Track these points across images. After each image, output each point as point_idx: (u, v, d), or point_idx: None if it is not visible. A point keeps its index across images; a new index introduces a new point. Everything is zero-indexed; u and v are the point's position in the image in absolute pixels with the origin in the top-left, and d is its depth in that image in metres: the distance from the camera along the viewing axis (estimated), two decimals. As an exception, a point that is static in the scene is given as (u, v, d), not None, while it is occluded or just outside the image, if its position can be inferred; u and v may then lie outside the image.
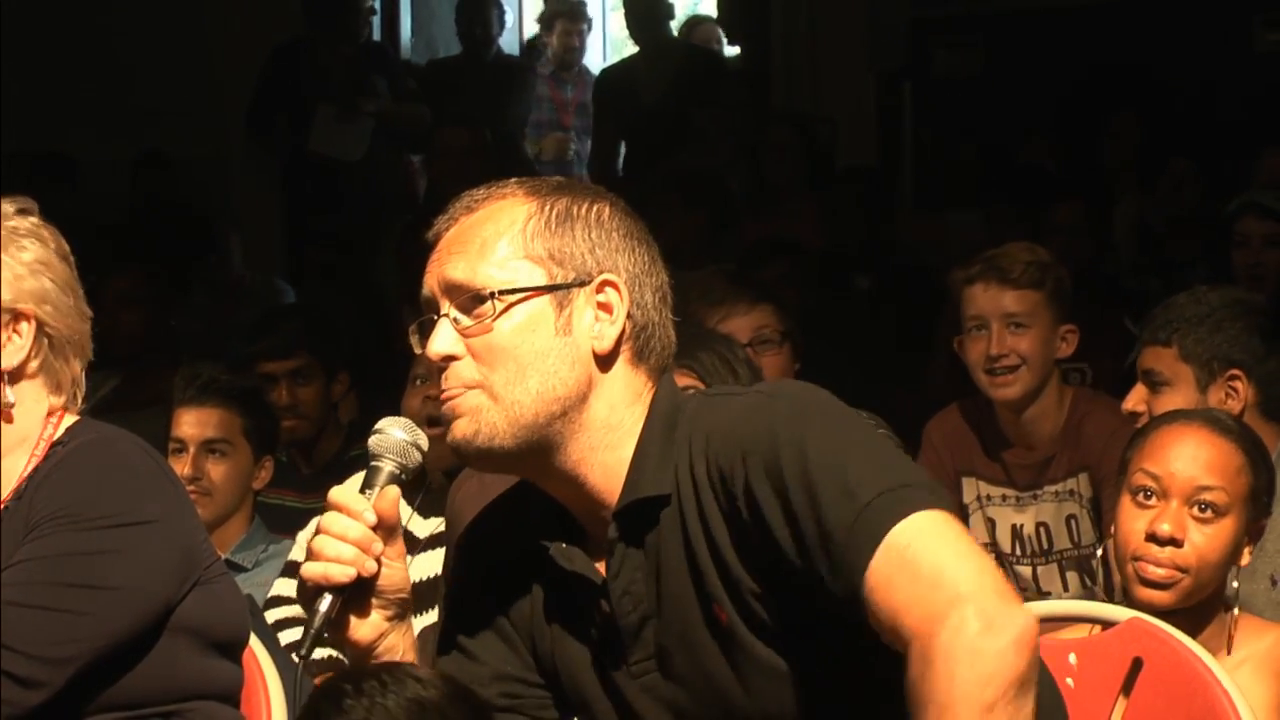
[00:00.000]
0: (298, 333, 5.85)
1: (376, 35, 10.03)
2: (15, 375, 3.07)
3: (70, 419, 3.13)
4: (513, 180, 2.56)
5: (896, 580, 2.25)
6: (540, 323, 2.46)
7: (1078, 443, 4.91)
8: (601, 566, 2.52)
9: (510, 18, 10.42)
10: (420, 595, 4.40)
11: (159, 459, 3.16)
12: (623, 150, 9.78)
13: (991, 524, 5.02)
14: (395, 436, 2.54)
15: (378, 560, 2.50)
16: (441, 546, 4.28)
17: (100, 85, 9.57)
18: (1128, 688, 3.29)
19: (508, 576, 2.61)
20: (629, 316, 2.50)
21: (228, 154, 9.66)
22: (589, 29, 10.93)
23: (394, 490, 2.52)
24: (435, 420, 4.34)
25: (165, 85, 9.61)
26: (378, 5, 10.02)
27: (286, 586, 4.67)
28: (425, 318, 2.53)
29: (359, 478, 2.55)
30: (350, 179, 8.97)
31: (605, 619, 2.53)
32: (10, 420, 3.07)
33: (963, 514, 5.02)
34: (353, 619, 2.52)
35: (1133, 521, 3.52)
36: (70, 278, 3.12)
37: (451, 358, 2.48)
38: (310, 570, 2.47)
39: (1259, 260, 6.11)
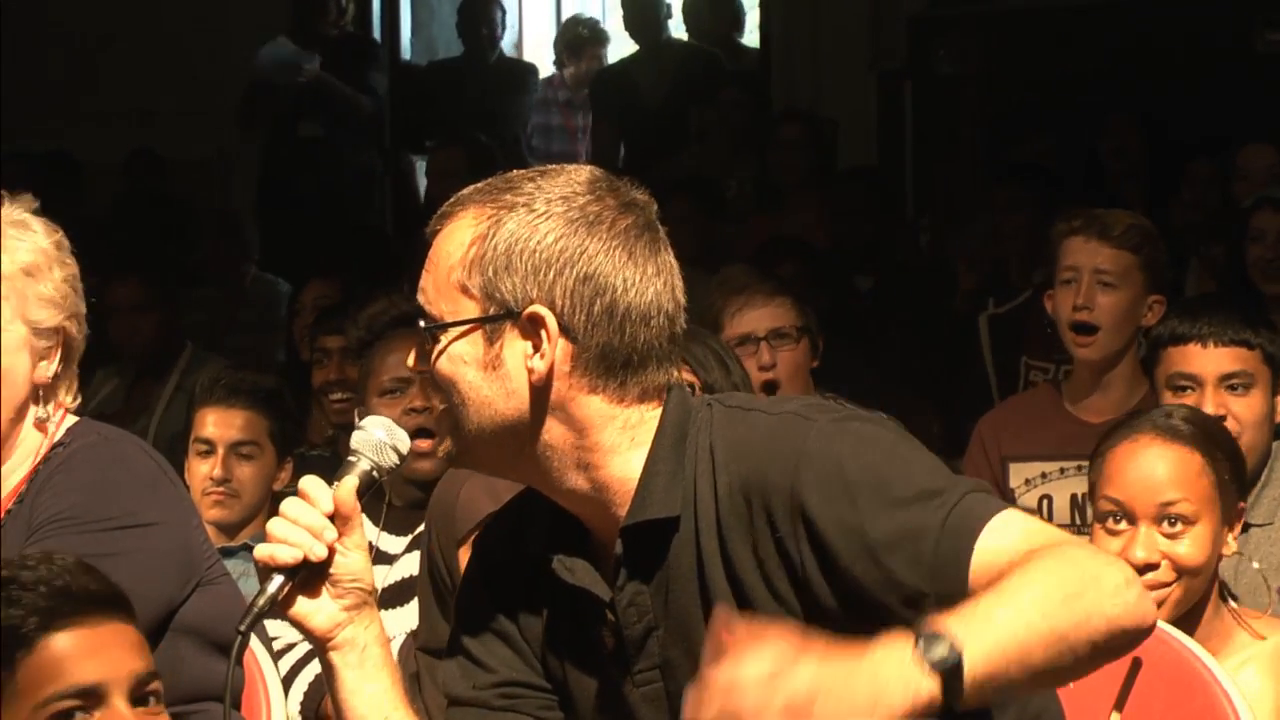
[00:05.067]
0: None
1: (376, 35, 10.07)
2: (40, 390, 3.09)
3: (71, 420, 3.13)
4: (478, 191, 2.53)
5: (1002, 553, 2.28)
6: (471, 357, 2.47)
7: None
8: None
9: (512, 20, 10.43)
10: (400, 591, 4.42)
11: (160, 460, 3.16)
12: (622, 151, 9.77)
13: (1048, 500, 5.01)
14: (375, 436, 2.58)
15: (330, 548, 2.51)
16: (417, 550, 4.27)
17: (98, 85, 9.58)
18: (1127, 688, 3.30)
19: (518, 581, 2.61)
20: (576, 343, 2.46)
21: (230, 152, 9.68)
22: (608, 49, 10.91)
23: (351, 481, 2.54)
24: (422, 432, 4.44)
25: (161, 86, 9.62)
26: (378, 5, 10.05)
27: None
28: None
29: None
30: (331, 176, 9.03)
31: (611, 627, 2.52)
32: (46, 434, 3.09)
33: (1010, 499, 5.02)
34: (303, 601, 2.54)
35: (1105, 547, 3.46)
36: (79, 284, 3.13)
37: (421, 373, 2.54)
38: (260, 551, 2.51)
39: (1275, 256, 6.10)
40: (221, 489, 4.89)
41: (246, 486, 4.96)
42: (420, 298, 2.52)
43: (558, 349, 2.45)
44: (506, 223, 2.47)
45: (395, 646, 4.05)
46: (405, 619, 4.34)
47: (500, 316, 2.46)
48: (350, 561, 2.55)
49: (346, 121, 9.24)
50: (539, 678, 2.61)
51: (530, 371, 2.46)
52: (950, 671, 2.11)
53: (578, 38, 10.67)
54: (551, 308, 2.45)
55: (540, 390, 2.47)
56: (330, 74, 9.20)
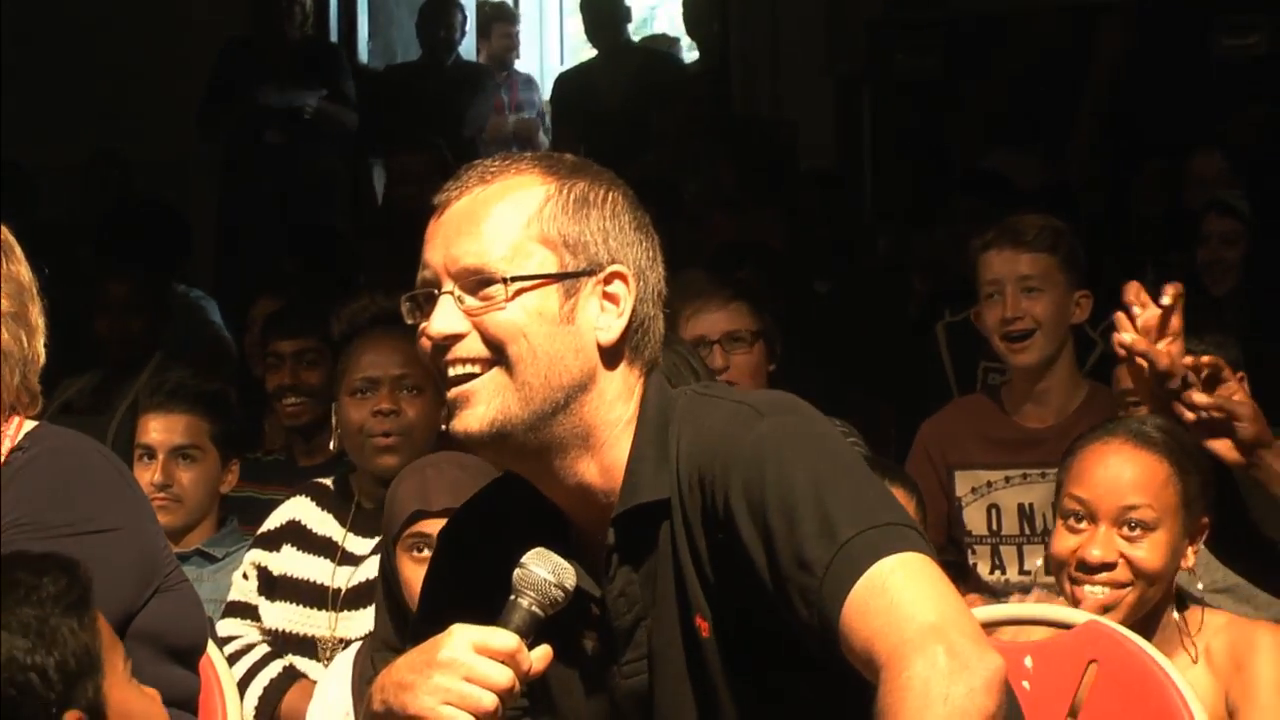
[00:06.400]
0: (307, 316, 5.89)
1: (334, 38, 10.05)
2: None
3: (30, 424, 3.11)
4: (527, 156, 2.54)
5: (872, 609, 2.25)
6: (547, 309, 2.44)
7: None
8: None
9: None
10: (366, 592, 4.44)
11: (120, 465, 3.14)
12: (582, 154, 9.77)
13: (995, 510, 5.03)
14: (538, 575, 2.44)
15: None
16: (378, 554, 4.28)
17: (58, 89, 9.55)
18: (1083, 691, 3.32)
19: (488, 577, 2.53)
20: (633, 311, 2.48)
21: (189, 155, 9.65)
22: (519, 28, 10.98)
23: (545, 650, 2.43)
24: (390, 433, 4.45)
25: (126, 87, 9.59)
26: (334, 8, 10.03)
27: (246, 591, 4.66)
28: (421, 291, 2.50)
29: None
30: (300, 181, 9.00)
31: (596, 620, 2.51)
32: None
33: (957, 508, 5.03)
34: None
35: (1064, 543, 3.55)
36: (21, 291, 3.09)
37: (456, 337, 2.46)
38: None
39: (1218, 257, 6.18)
40: (164, 494, 4.89)
41: (189, 491, 4.95)
42: (463, 258, 2.44)
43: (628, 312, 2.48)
44: (577, 183, 2.49)
45: (355, 650, 4.05)
46: (370, 620, 4.34)
47: (584, 271, 2.46)
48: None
49: (313, 130, 9.21)
50: None
51: (603, 330, 2.47)
52: None
53: (485, 17, 10.76)
54: (629, 269, 2.48)
55: (605, 353, 2.47)
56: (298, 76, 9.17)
